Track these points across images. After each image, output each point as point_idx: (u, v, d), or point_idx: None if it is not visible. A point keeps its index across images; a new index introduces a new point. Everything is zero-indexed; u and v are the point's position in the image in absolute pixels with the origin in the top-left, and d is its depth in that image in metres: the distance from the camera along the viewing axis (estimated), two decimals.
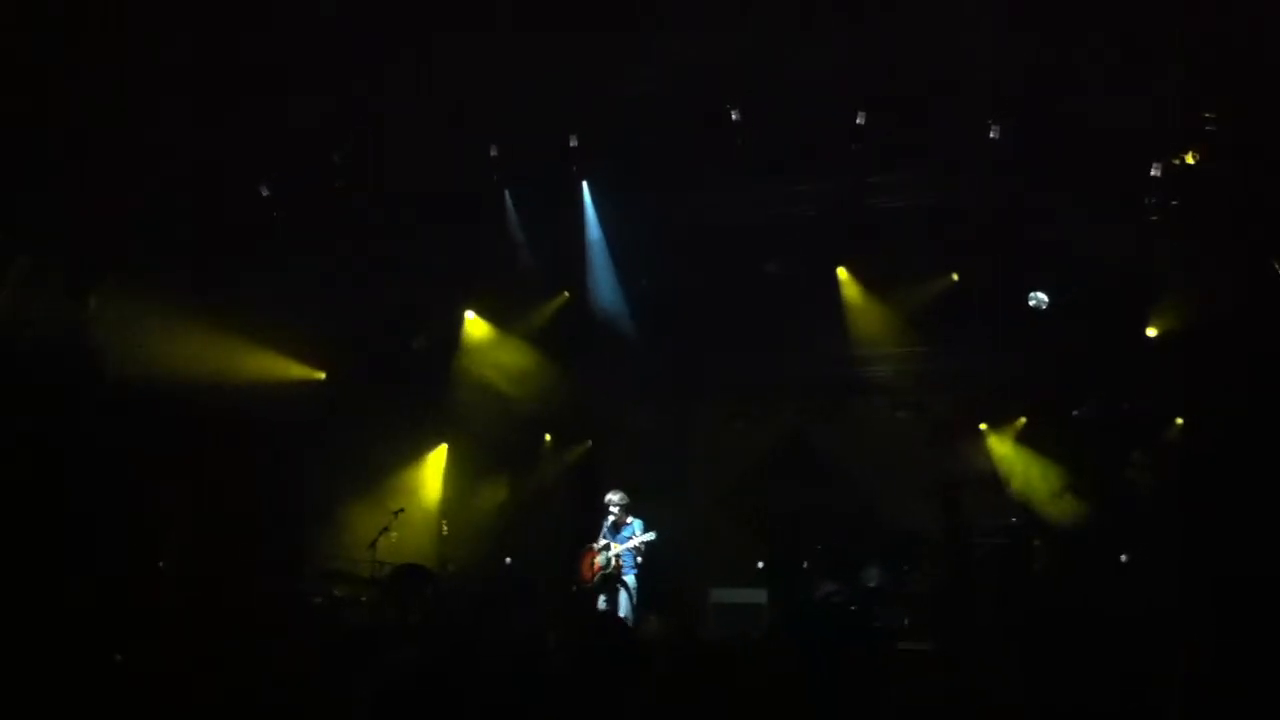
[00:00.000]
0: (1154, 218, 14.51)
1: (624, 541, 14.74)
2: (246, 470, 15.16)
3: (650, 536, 14.64)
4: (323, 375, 17.42)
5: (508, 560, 17.07)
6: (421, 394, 17.89)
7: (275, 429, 15.82)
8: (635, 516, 14.94)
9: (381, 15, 12.96)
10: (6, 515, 11.48)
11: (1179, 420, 16.28)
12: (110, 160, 13.36)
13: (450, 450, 18.57)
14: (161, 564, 13.66)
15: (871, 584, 14.63)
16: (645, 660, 7.10)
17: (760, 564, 16.13)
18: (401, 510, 15.68)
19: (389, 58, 13.51)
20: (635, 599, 14.53)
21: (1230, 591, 11.73)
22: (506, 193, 16.48)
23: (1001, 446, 17.46)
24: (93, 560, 12.08)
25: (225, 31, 12.66)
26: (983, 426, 17.53)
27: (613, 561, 14.67)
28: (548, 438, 18.98)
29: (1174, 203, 14.33)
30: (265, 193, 15.21)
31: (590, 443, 18.81)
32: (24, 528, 11.57)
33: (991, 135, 13.96)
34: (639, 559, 14.71)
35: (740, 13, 12.92)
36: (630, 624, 14.23)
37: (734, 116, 14.27)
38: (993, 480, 17.15)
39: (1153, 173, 14.05)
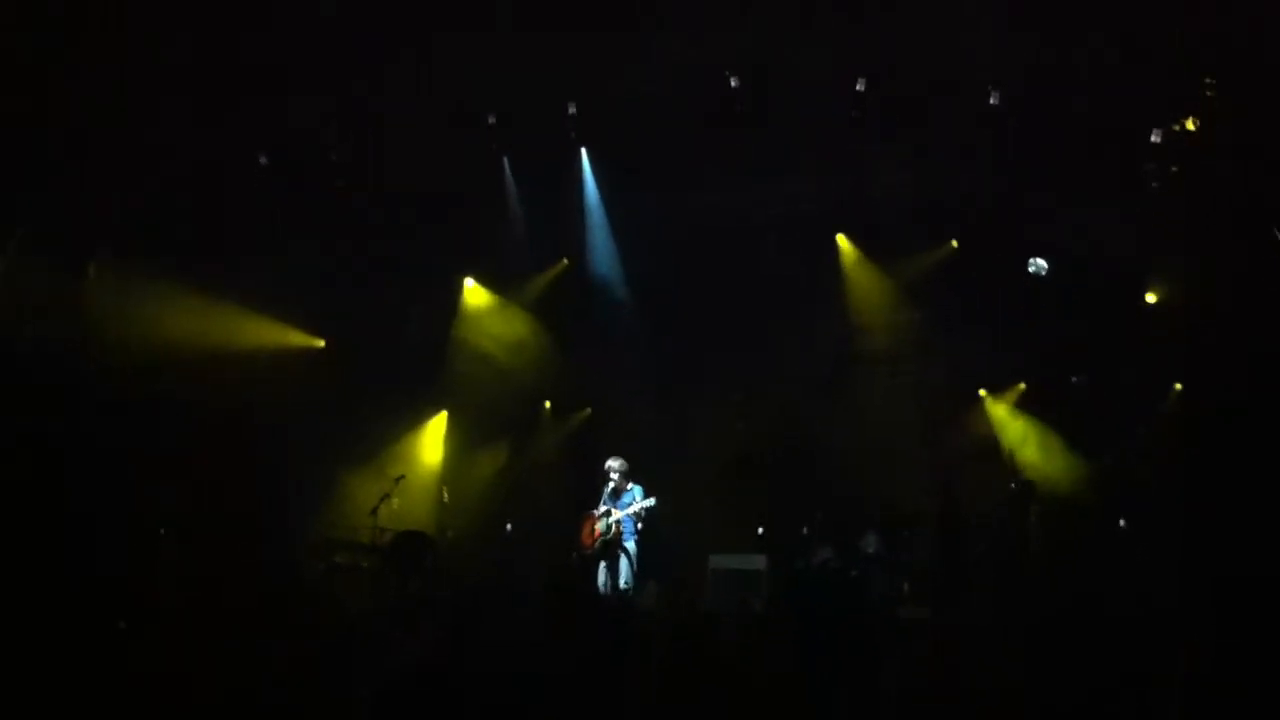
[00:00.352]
0: (1154, 184, 14.51)
1: (624, 508, 14.78)
2: (247, 438, 15.20)
3: (650, 502, 14.67)
4: (322, 343, 17.45)
5: (508, 526, 17.11)
6: (421, 361, 17.90)
7: (275, 397, 15.84)
8: (635, 483, 14.97)
9: None
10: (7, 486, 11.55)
11: (1177, 386, 16.31)
12: (112, 139, 13.38)
13: (450, 417, 18.58)
14: (162, 532, 13.69)
15: (870, 550, 14.66)
16: (643, 636, 7.18)
17: (760, 530, 16.16)
18: (402, 477, 15.71)
19: (389, 29, 13.51)
20: (635, 566, 14.58)
21: (1227, 560, 11.81)
22: (505, 160, 16.48)
23: (1000, 413, 17.50)
24: (93, 531, 12.12)
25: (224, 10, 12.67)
26: (982, 393, 17.56)
27: (613, 528, 14.71)
28: (547, 405, 19.00)
29: (1174, 169, 14.33)
30: (263, 161, 15.21)
31: (589, 410, 18.83)
32: (25, 502, 11.62)
33: (991, 102, 13.97)
34: (639, 525, 14.74)
35: (742, 8, 12.96)
36: (630, 591, 14.34)
37: (733, 83, 14.29)
38: (991, 447, 17.19)
39: (1153, 139, 14.04)
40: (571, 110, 15.16)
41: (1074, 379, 16.91)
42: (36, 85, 12.34)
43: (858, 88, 14.27)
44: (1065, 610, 11.90)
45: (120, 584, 11.54)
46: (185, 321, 14.80)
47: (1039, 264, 16.15)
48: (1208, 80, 13.28)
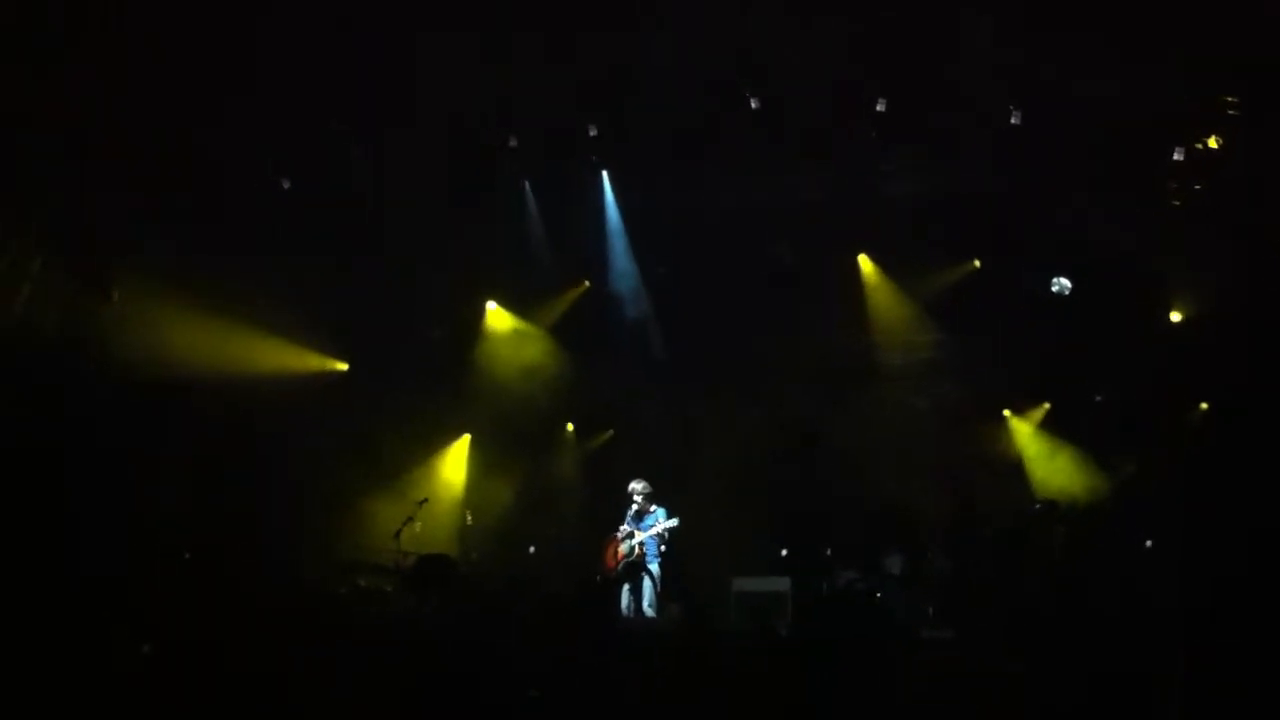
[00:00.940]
0: (1176, 203, 14.46)
1: (647, 529, 14.77)
2: (271, 462, 15.27)
3: (674, 523, 14.65)
4: (345, 366, 17.53)
5: (531, 549, 17.12)
6: (444, 384, 17.96)
7: (299, 420, 15.92)
8: (658, 505, 14.96)
9: (404, 6, 13.06)
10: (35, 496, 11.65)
11: (1203, 405, 16.21)
12: (135, 162, 13.48)
13: (473, 440, 18.63)
14: (187, 555, 13.73)
15: (894, 571, 14.60)
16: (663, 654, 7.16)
17: (784, 552, 16.12)
18: (425, 500, 15.70)
19: (409, 49, 13.59)
20: (659, 587, 14.56)
21: (1252, 576, 11.70)
22: (526, 183, 16.55)
23: (1025, 432, 17.44)
24: (109, 548, 12.18)
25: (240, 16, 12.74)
26: (1006, 413, 17.50)
27: (636, 549, 14.70)
28: (569, 427, 19.03)
29: (1196, 187, 14.27)
30: (286, 185, 15.31)
31: (612, 432, 18.85)
32: (39, 510, 11.69)
33: (1013, 121, 13.94)
34: (662, 547, 14.73)
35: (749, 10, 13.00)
36: (654, 613, 14.31)
37: (753, 105, 14.31)
38: (1016, 467, 17.13)
39: (1175, 157, 14.00)
40: (592, 133, 15.20)
41: (1098, 398, 16.85)
42: (61, 99, 12.42)
43: (879, 108, 14.22)
44: (1084, 627, 11.88)
45: (135, 603, 11.63)
46: (207, 342, 14.87)
47: (1062, 283, 16.10)
48: (1230, 99, 13.23)
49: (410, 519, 15.15)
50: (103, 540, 12.31)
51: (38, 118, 12.57)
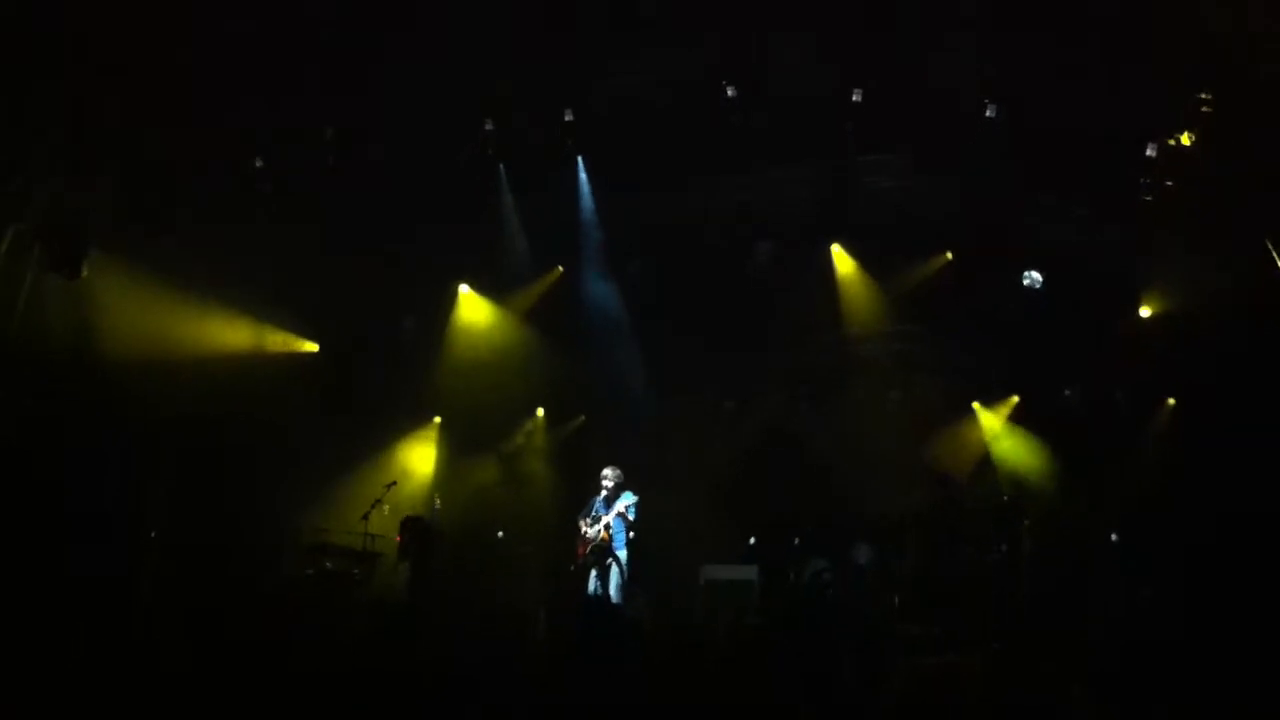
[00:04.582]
0: (1148, 199, 14.55)
1: (613, 513, 14.72)
2: (238, 443, 15.17)
3: (633, 499, 14.52)
4: (315, 348, 17.43)
5: (499, 534, 17.09)
6: (415, 368, 17.90)
7: (267, 400, 15.81)
8: (628, 491, 14.92)
9: None
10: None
11: (1171, 401, 16.34)
12: (108, 137, 13.37)
13: (443, 424, 18.59)
14: (152, 535, 13.66)
15: (861, 562, 14.66)
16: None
17: (751, 540, 16.14)
18: (394, 484, 15.65)
19: (386, 33, 13.51)
20: (625, 575, 14.50)
21: (1218, 572, 11.84)
22: (501, 167, 16.48)
23: (993, 425, 17.53)
24: (84, 533, 12.10)
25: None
26: (975, 405, 17.59)
27: (602, 533, 14.66)
28: (540, 413, 19.00)
29: (1168, 184, 14.36)
30: (259, 164, 15.19)
31: (583, 418, 18.84)
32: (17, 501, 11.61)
33: (988, 114, 13.99)
34: (630, 533, 14.67)
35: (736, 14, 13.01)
36: (620, 601, 14.27)
37: (729, 93, 14.31)
38: (984, 459, 17.23)
39: (1148, 154, 14.08)
40: (568, 117, 15.16)
41: (1066, 392, 16.95)
42: (29, 80, 12.29)
43: (854, 99, 14.25)
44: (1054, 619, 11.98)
45: (106, 582, 11.56)
46: (177, 322, 14.77)
47: (1033, 277, 16.18)
48: (1203, 95, 13.30)
49: (378, 502, 15.11)
50: (66, 521, 12.25)
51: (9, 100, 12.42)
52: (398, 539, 15.45)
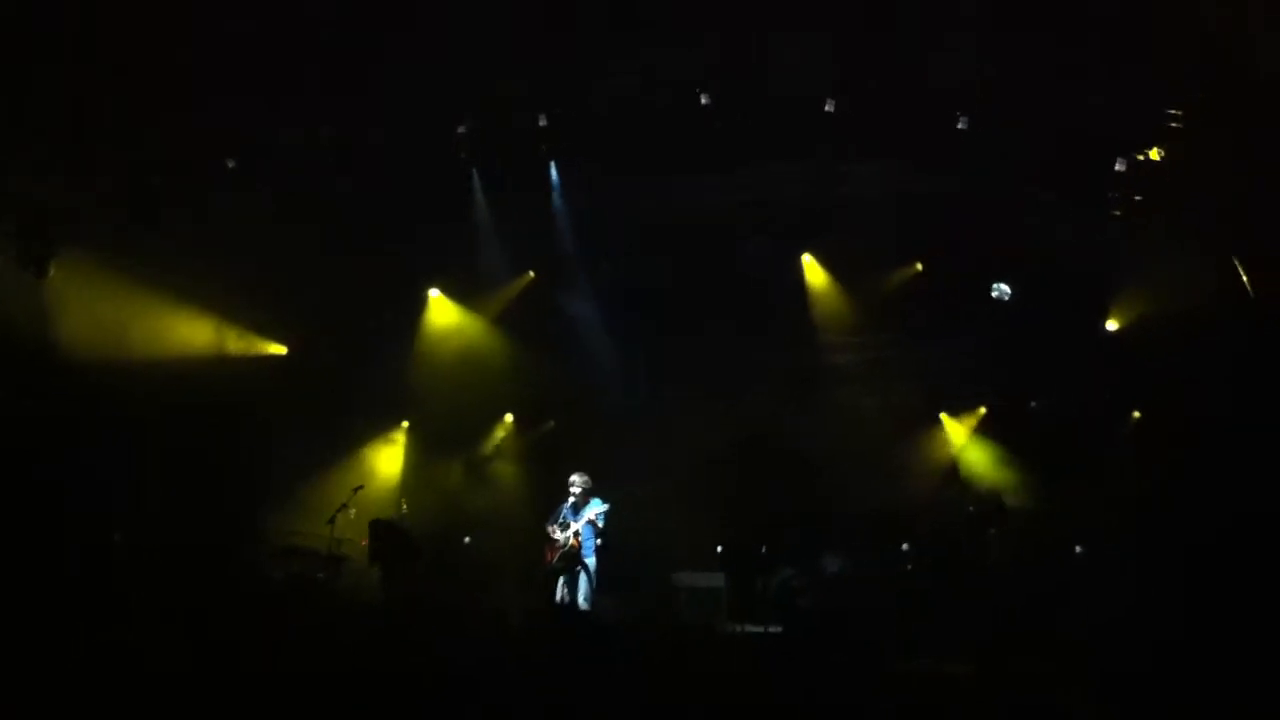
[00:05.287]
0: (1116, 212, 14.69)
1: (582, 520, 14.67)
2: (205, 445, 15.05)
3: (604, 507, 14.48)
4: (284, 350, 17.34)
5: (466, 539, 17.02)
6: (384, 371, 17.85)
7: (235, 404, 15.70)
8: (596, 498, 14.87)
9: None
10: None
11: (1135, 414, 16.47)
12: (79, 135, 13.26)
13: (411, 428, 18.52)
14: (117, 538, 13.50)
15: (831, 570, 14.69)
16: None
17: (719, 548, 16.12)
18: (361, 487, 15.54)
19: (361, 37, 13.46)
20: (594, 582, 14.43)
21: (1190, 583, 11.94)
22: (474, 171, 16.45)
23: (960, 435, 17.63)
24: (51, 535, 11.94)
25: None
26: (942, 415, 17.69)
27: (570, 540, 14.59)
28: (509, 418, 18.96)
29: (1137, 198, 14.51)
30: (230, 165, 15.09)
31: (552, 423, 18.80)
32: None
33: (959, 127, 14.08)
34: (599, 540, 14.61)
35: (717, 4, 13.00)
36: (588, 608, 14.21)
37: (704, 100, 14.35)
38: (951, 468, 17.32)
39: (1117, 168, 14.22)
40: (542, 122, 15.14)
41: (1033, 403, 17.06)
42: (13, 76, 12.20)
43: (827, 108, 14.32)
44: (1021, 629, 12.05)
45: (74, 584, 11.41)
46: (146, 323, 14.66)
47: (1002, 289, 16.29)
48: (1173, 111, 13.46)
49: (345, 506, 14.99)
50: (31, 522, 12.09)
51: None
52: (363, 543, 15.42)
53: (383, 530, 15.11)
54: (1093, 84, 13.02)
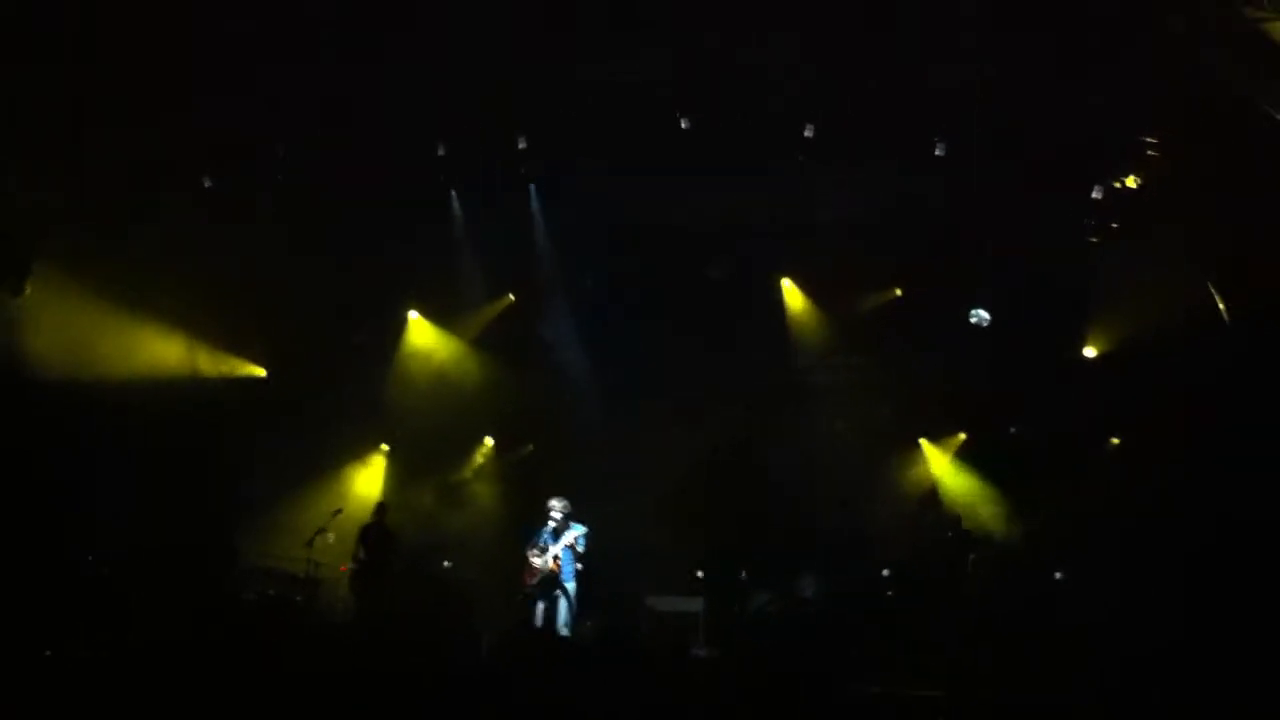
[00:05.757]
0: (1093, 239, 14.76)
1: (561, 545, 14.59)
2: (184, 467, 14.97)
3: (582, 530, 14.41)
4: (263, 373, 17.29)
5: (446, 564, 16.94)
6: (363, 394, 17.81)
7: (214, 426, 15.65)
8: (576, 523, 14.81)
9: (337, 14, 12.91)
10: None
11: (1114, 440, 16.49)
12: (55, 150, 13.21)
13: (390, 452, 18.47)
14: (90, 558, 13.41)
15: (807, 594, 14.65)
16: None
17: (699, 574, 16.06)
18: (340, 511, 15.52)
19: (342, 54, 13.43)
20: (575, 607, 14.36)
21: (1167, 609, 11.96)
22: (453, 193, 16.47)
23: (939, 461, 17.64)
24: (25, 557, 11.87)
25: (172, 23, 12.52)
26: (921, 441, 17.70)
27: (550, 564, 14.52)
28: (489, 441, 18.92)
29: (1114, 225, 14.59)
30: (207, 184, 15.04)
31: (531, 446, 18.76)
32: None
33: (937, 153, 14.13)
34: (578, 565, 14.55)
35: (694, 19, 12.98)
36: (568, 634, 14.14)
37: (683, 125, 14.37)
38: (930, 494, 17.31)
39: (1094, 195, 14.29)
40: (521, 145, 15.14)
41: (1012, 430, 17.09)
42: None
43: (806, 134, 14.34)
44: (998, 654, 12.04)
45: (53, 581, 11.35)
46: (124, 344, 14.60)
47: (980, 315, 16.29)
48: (1149, 139, 13.54)
49: (323, 530, 14.94)
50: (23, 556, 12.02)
51: None
52: (343, 569, 15.39)
53: (374, 531, 15.19)
54: (1093, 84, 12.95)
